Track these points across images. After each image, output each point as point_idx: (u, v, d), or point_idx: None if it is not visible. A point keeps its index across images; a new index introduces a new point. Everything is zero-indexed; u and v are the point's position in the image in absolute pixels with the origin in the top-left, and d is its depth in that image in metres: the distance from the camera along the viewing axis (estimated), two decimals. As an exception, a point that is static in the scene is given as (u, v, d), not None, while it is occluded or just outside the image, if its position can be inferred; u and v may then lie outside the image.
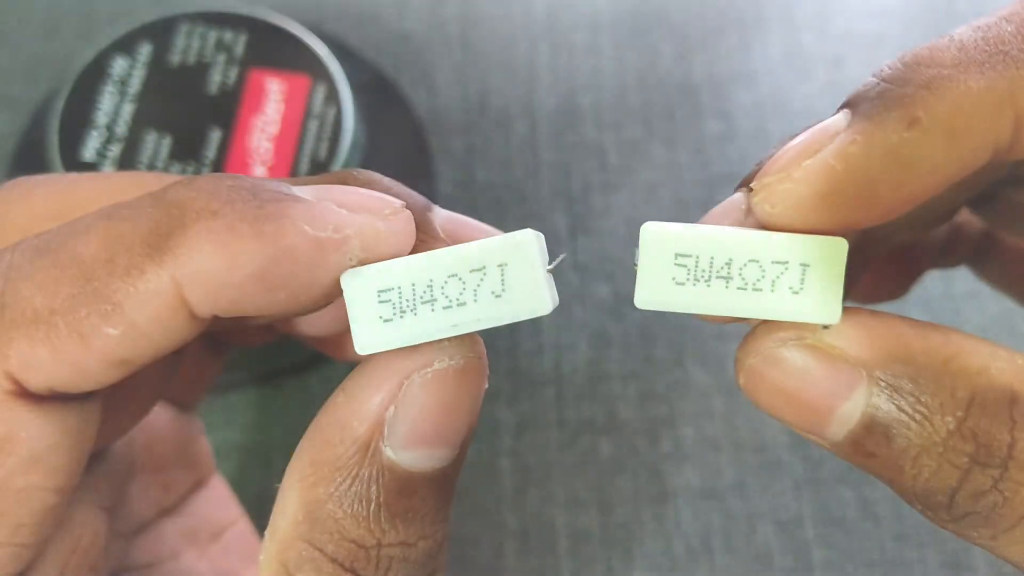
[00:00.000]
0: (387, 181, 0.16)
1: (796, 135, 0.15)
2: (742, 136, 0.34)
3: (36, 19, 0.37)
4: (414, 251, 0.15)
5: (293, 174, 0.29)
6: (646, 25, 0.37)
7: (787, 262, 0.14)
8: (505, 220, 0.33)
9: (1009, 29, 0.15)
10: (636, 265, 0.15)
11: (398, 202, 0.15)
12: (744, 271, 0.15)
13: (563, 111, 0.35)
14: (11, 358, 0.14)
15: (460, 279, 0.15)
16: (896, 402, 0.14)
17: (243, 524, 0.24)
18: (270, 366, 0.30)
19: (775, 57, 0.36)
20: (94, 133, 0.30)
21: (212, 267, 0.14)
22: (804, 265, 0.14)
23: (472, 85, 0.36)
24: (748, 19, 0.37)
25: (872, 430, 0.14)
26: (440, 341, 0.15)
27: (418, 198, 0.17)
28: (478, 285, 0.15)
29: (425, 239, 0.16)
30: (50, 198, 0.19)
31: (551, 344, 0.31)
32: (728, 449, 0.29)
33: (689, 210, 0.33)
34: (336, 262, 0.14)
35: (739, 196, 0.16)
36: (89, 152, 0.29)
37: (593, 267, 0.32)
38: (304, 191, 0.15)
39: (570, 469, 0.29)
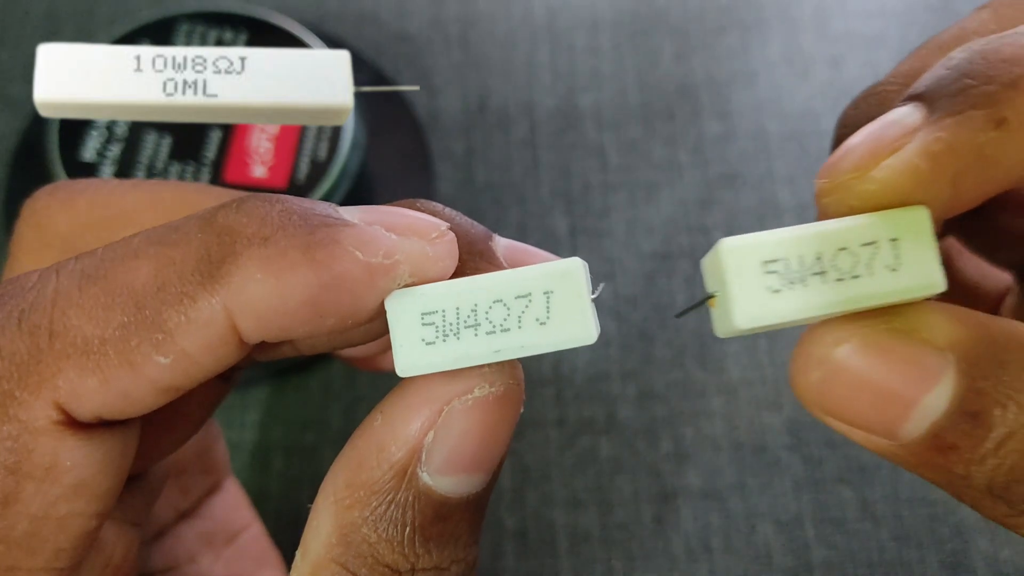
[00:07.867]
0: (448, 211, 0.16)
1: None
2: (742, 136, 0.34)
3: (36, 19, 0.37)
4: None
5: (293, 174, 0.29)
6: (646, 25, 0.37)
7: (875, 241, 0.14)
8: (505, 220, 0.33)
9: None
10: (710, 295, 0.14)
11: (444, 224, 0.15)
12: (837, 261, 0.14)
13: (563, 111, 0.35)
14: (60, 388, 0.14)
15: (505, 305, 0.15)
16: (982, 385, 0.14)
17: (256, 528, 0.24)
18: (270, 366, 0.30)
19: (775, 57, 0.36)
20: (94, 133, 0.30)
21: (264, 295, 0.14)
22: (893, 240, 0.14)
23: (472, 85, 0.36)
24: (748, 19, 0.37)
25: (957, 419, 0.14)
26: (480, 366, 0.15)
27: (479, 228, 0.16)
28: (523, 312, 0.14)
29: (489, 268, 0.16)
30: (93, 207, 0.18)
31: (551, 344, 0.31)
32: (728, 449, 0.29)
33: (689, 210, 0.33)
34: (384, 287, 0.14)
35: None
36: (89, 152, 0.29)
37: (593, 267, 0.32)
38: (352, 214, 0.15)
39: (570, 469, 0.29)
